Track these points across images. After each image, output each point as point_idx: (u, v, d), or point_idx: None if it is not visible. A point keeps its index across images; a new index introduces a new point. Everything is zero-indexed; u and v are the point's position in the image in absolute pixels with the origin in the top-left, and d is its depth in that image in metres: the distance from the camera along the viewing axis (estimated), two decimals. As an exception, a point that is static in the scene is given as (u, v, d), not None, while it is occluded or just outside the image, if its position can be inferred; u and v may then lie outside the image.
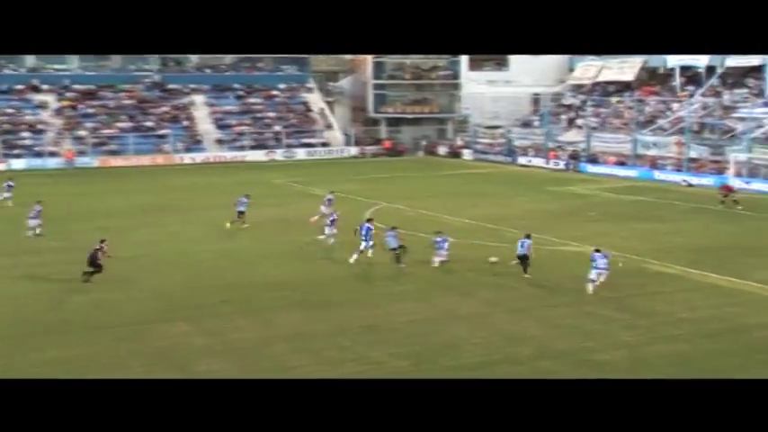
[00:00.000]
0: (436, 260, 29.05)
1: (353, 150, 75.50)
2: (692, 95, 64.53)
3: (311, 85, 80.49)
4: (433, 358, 19.50)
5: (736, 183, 50.71)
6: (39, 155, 66.84)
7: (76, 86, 73.86)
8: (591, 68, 73.75)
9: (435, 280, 27.61)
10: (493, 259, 29.38)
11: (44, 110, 71.73)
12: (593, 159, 64.63)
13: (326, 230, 31.94)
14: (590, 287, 25.46)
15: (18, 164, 64.69)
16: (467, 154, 74.65)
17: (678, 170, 57.72)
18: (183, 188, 52.73)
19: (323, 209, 36.25)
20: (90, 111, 72.44)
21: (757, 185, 51.37)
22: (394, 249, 29.20)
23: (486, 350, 20.22)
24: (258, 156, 71.34)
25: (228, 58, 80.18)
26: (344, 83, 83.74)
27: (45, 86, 73.24)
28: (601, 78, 73.26)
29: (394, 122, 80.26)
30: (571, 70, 76.22)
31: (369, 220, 30.59)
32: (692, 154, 57.66)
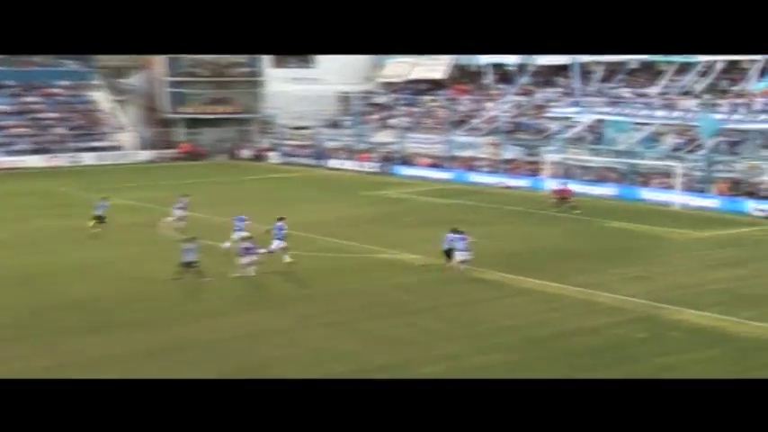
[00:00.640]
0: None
1: (148, 154, 73.33)
2: (504, 94, 67.11)
3: (97, 82, 77.47)
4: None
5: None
6: None
7: None
8: (402, 66, 75.27)
9: (244, 295, 27.12)
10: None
11: None
12: (407, 161, 65.90)
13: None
14: (461, 268, 29.39)
15: None
16: (273, 157, 74.27)
17: (494, 172, 59.82)
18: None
19: (177, 212, 38.34)
20: None
21: (572, 187, 53.95)
22: (191, 263, 28.48)
23: (301, 368, 19.91)
24: (38, 161, 67.84)
25: None
26: (135, 80, 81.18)
27: None
28: (412, 76, 74.90)
29: (193, 124, 78.62)
30: (381, 68, 77.45)
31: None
32: (508, 155, 59.91)
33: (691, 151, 51.32)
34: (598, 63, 62.71)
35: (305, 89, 77.04)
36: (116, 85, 79.23)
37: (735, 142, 51.03)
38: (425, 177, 61.63)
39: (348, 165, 68.37)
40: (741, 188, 47.48)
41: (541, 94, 66.06)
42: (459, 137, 63.86)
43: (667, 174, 50.88)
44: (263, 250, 29.88)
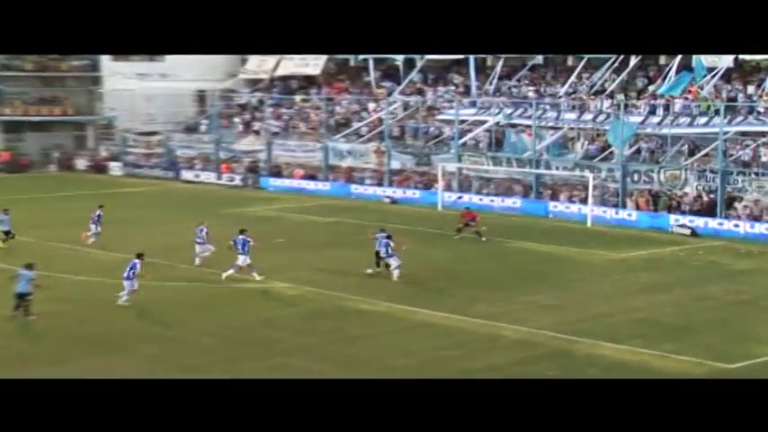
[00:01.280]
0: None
1: (-42, 165, 71.21)
2: (390, 93, 67.80)
3: None
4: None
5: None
6: None
7: None
8: (268, 60, 75.21)
9: (79, 334, 26.65)
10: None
11: None
12: (277, 172, 65.78)
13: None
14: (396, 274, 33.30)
15: None
16: (115, 168, 73.14)
17: (379, 184, 60.28)
18: None
19: (93, 227, 40.85)
20: None
21: (470, 201, 54.87)
22: (23, 296, 27.89)
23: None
24: None
25: None
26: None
27: None
28: (281, 72, 74.88)
29: (13, 128, 76.61)
30: (244, 62, 77.24)
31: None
32: (395, 164, 60.52)
33: (604, 159, 52.84)
34: (497, 57, 64.02)
35: (153, 87, 76.04)
36: None
37: (653, 149, 52.78)
38: (299, 191, 61.64)
39: (206, 177, 67.79)
40: (661, 202, 49.15)
41: (433, 94, 66.98)
42: (338, 143, 64.16)
43: (578, 185, 52.29)
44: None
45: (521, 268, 37.45)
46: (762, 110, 50.91)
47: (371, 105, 67.79)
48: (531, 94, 61.52)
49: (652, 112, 54.24)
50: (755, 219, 45.86)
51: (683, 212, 47.97)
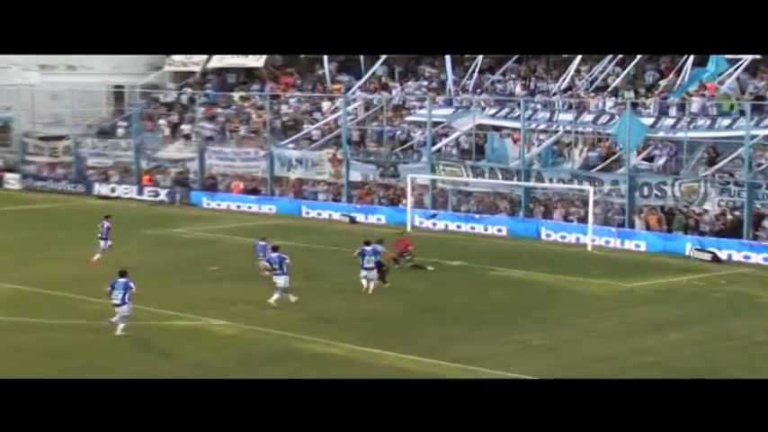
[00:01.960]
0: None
1: None
2: (348, 90, 67.82)
3: None
4: None
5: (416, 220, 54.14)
6: None
7: None
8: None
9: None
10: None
11: None
12: (212, 186, 65.62)
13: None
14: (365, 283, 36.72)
15: None
16: (12, 180, 72.80)
17: (335, 200, 60.23)
18: None
19: (103, 243, 43.49)
20: None
21: (447, 221, 54.99)
22: None
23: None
24: None
25: None
26: None
27: None
28: (215, 63, 74.73)
29: None
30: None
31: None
32: (355, 175, 60.49)
33: (607, 169, 53.06)
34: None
35: (60, 81, 75.65)
36: None
37: (666, 157, 52.99)
38: (238, 209, 61.45)
39: (124, 191, 67.60)
40: (676, 220, 49.44)
41: (401, 90, 67.03)
42: (286, 150, 64.09)
43: (576, 201, 52.51)
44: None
45: (507, 301, 37.54)
46: (795, 110, 51.27)
47: (326, 105, 67.80)
48: (519, 91, 61.78)
49: (664, 112, 54.49)
50: (788, 241, 46.30)
51: (703, 233, 48.30)
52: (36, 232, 52.45)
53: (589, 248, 48.62)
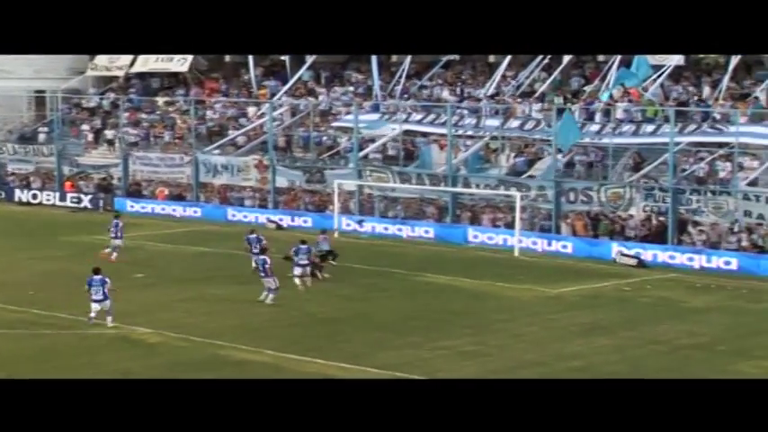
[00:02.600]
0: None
1: None
2: (274, 95, 67.71)
3: None
4: None
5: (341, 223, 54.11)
6: None
7: None
8: (123, 55, 74.50)
9: None
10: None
11: None
12: (136, 192, 65.18)
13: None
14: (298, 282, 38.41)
15: None
16: (-71, 187, 71.77)
17: (262, 206, 60.09)
18: None
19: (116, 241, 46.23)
20: None
21: (374, 224, 55.08)
22: None
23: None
24: None
25: None
26: None
27: None
28: (139, 68, 74.25)
29: None
30: (92, 56, 76.33)
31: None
32: (281, 181, 60.39)
33: (531, 176, 53.41)
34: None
35: (-23, 86, 74.88)
36: None
37: (591, 162, 53.50)
38: (163, 215, 61.14)
39: (46, 198, 67.01)
40: (602, 226, 49.89)
41: (327, 95, 67.09)
42: (211, 156, 63.84)
43: (503, 207, 52.80)
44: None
45: (433, 307, 37.61)
46: (718, 116, 51.89)
47: (251, 110, 67.65)
48: (446, 96, 61.99)
49: (590, 118, 54.93)
50: (713, 246, 46.80)
51: (628, 239, 48.76)
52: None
53: (516, 254, 48.88)
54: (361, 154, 58.56)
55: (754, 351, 31.84)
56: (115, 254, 45.49)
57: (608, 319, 35.95)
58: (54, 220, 59.48)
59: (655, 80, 54.61)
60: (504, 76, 61.10)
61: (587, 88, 58.05)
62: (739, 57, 53.35)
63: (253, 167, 61.85)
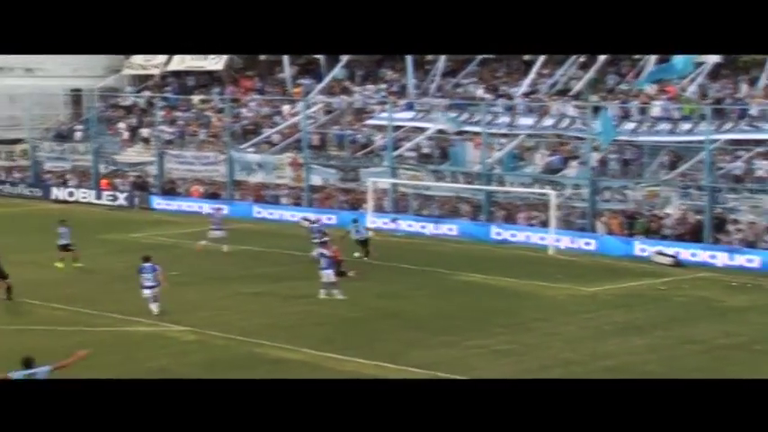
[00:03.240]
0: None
1: None
2: (308, 93, 67.79)
3: None
4: None
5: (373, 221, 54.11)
6: None
7: None
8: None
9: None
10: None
11: None
12: (171, 190, 65.41)
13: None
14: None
15: None
16: (-35, 185, 72.31)
17: (296, 204, 60.17)
18: None
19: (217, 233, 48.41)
20: None
21: (410, 223, 55.02)
22: None
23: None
24: None
25: None
26: None
27: None
28: (175, 66, 74.56)
29: None
30: (128, 55, 76.66)
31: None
32: (315, 179, 60.47)
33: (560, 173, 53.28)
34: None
35: (16, 84, 75.27)
36: None
37: (627, 160, 53.29)
38: (197, 213, 61.27)
39: (82, 196, 67.35)
40: (638, 225, 49.68)
41: (361, 94, 67.08)
42: (246, 154, 63.98)
43: (538, 205, 52.66)
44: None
45: (467, 306, 37.56)
46: (755, 114, 51.61)
47: (286, 108, 67.75)
48: (480, 95, 61.88)
49: (625, 116, 54.73)
50: (750, 245, 46.52)
51: (665, 237, 48.55)
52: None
53: (550, 253, 48.74)
54: (396, 152, 58.55)
55: (792, 351, 31.69)
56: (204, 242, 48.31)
57: (643, 318, 35.79)
58: (89, 217, 59.69)
59: (693, 79, 54.35)
60: (539, 74, 60.97)
61: (623, 86, 57.83)
62: (777, 55, 53.06)
63: (287, 165, 61.96)
